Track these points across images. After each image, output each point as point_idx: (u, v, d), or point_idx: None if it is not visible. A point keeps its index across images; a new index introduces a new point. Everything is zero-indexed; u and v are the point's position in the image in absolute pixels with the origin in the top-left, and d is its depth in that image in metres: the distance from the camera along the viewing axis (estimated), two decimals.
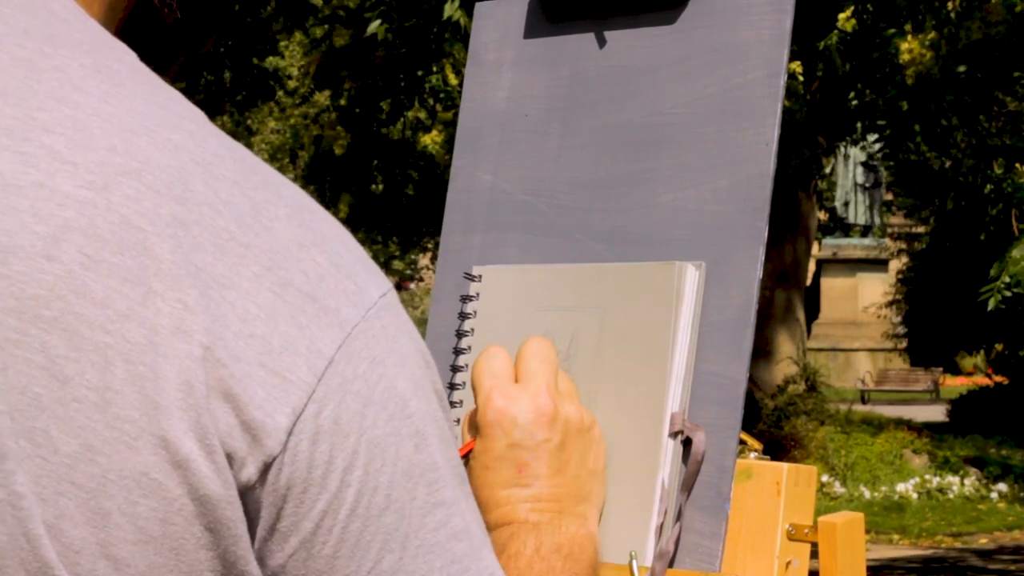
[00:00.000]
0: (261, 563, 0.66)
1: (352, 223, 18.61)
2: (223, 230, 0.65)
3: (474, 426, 1.02)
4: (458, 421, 1.17)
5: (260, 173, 0.69)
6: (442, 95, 13.07)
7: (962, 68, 12.55)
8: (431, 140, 13.84)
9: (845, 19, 13.01)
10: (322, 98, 14.94)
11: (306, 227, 0.68)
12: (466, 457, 1.01)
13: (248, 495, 0.64)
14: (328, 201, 19.15)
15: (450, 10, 8.51)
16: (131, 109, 0.67)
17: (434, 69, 12.73)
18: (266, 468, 0.64)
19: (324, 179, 17.87)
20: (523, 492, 0.98)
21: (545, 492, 0.98)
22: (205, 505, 0.63)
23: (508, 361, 1.02)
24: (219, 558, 0.64)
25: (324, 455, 0.65)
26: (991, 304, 8.13)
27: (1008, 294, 8.09)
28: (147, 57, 0.73)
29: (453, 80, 12.75)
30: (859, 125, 15.06)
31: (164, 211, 0.64)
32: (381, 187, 17.34)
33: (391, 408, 0.68)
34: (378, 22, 10.08)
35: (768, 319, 15.60)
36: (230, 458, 0.63)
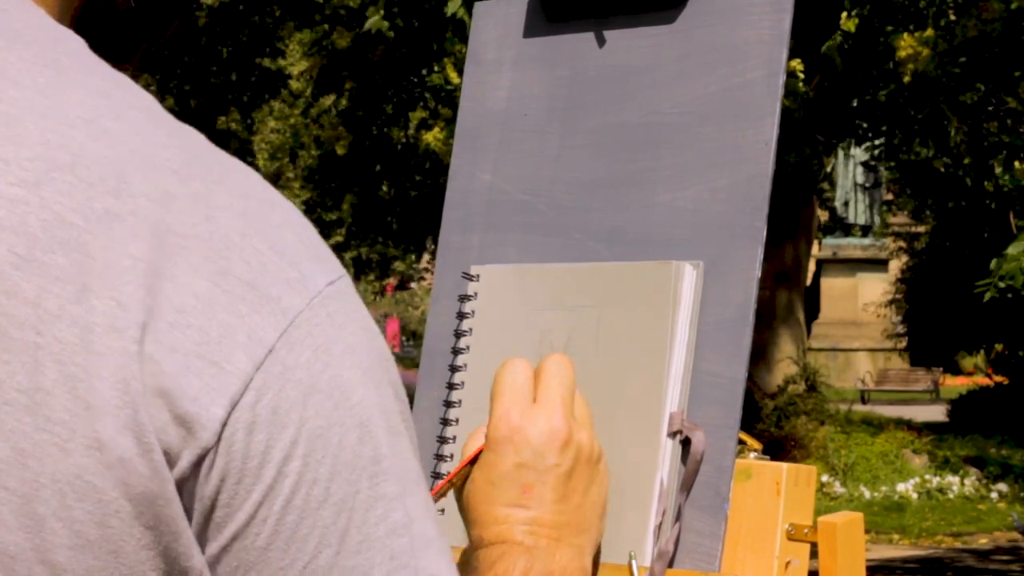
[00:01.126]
0: (200, 552, 0.65)
1: (356, 225, 18.61)
2: (159, 221, 0.64)
3: (486, 437, 1.01)
4: (456, 421, 1.17)
5: (206, 161, 0.68)
6: (443, 94, 13.07)
7: (962, 60, 12.54)
8: (433, 137, 13.84)
9: (846, 19, 13.01)
10: (326, 100, 14.94)
11: (250, 214, 0.67)
12: (472, 463, 1.00)
13: (183, 487, 0.63)
14: (332, 203, 19.15)
15: (453, 7, 8.50)
16: (69, 100, 0.66)
17: (436, 68, 12.73)
18: (199, 460, 0.63)
19: (327, 181, 17.87)
20: (524, 514, 0.96)
21: (546, 518, 0.96)
22: (143, 504, 0.62)
23: (529, 377, 1.00)
24: (161, 556, 0.63)
25: (260, 445, 0.64)
26: (987, 296, 8.15)
27: (1002, 285, 8.12)
28: (107, 45, 0.72)
29: (455, 79, 12.76)
30: (861, 124, 15.06)
31: (98, 204, 0.63)
32: (385, 189, 17.34)
33: (335, 397, 0.66)
34: (378, 16, 10.07)
35: (769, 319, 15.59)
36: (166, 453, 0.62)
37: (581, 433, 0.99)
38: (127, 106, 0.68)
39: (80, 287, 0.62)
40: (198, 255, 0.64)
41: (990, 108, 14.41)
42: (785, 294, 15.95)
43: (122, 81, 0.69)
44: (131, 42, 0.80)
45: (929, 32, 12.25)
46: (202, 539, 0.65)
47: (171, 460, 0.63)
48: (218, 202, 0.66)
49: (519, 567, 0.94)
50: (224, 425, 0.63)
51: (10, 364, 0.61)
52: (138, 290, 0.63)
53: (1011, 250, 8.09)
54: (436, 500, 0.99)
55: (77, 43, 0.70)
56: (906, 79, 12.50)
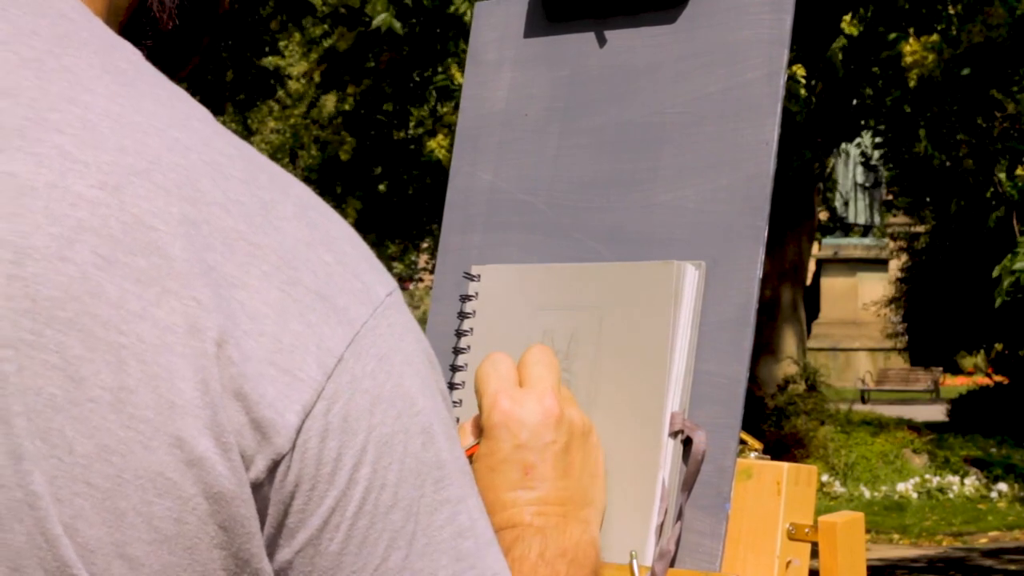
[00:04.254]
0: (269, 559, 0.66)
1: (360, 227, 18.62)
2: (232, 229, 0.66)
3: (477, 430, 1.02)
4: (458, 420, 1.17)
5: (267, 171, 0.69)
6: (454, 93, 13.08)
7: (966, 71, 12.55)
8: (436, 144, 13.84)
9: (848, 22, 13.02)
10: (328, 102, 14.95)
11: (313, 226, 0.69)
12: (469, 460, 1.01)
13: (257, 492, 0.65)
14: (333, 204, 19.16)
15: (458, 3, 8.51)
16: (140, 109, 0.67)
17: (440, 69, 12.73)
18: (275, 465, 0.64)
19: (331, 184, 17.88)
20: (529, 495, 0.98)
21: (551, 495, 0.98)
22: (219, 503, 0.63)
23: (512, 366, 1.02)
24: (232, 556, 0.64)
25: (333, 452, 0.65)
26: (998, 302, 8.17)
27: (1011, 289, 8.14)
28: (152, 60, 0.74)
29: (460, 79, 12.74)
30: (862, 124, 15.06)
31: (175, 210, 0.65)
32: (384, 189, 17.35)
33: (399, 405, 0.68)
34: (385, 14, 10.06)
35: (770, 319, 15.60)
36: (244, 456, 0.64)
37: (571, 409, 1.01)
38: (192, 117, 0.69)
39: (161, 289, 0.63)
40: (269, 264, 0.66)
41: (997, 114, 14.41)
42: (786, 294, 15.96)
43: (181, 93, 0.71)
44: (174, 58, 0.81)
45: (935, 37, 12.27)
46: (274, 544, 0.66)
47: (246, 463, 0.64)
48: (283, 212, 0.68)
49: (535, 549, 0.95)
50: (299, 432, 0.64)
51: (95, 363, 0.62)
52: (214, 296, 0.64)
53: (1018, 264, 8.12)
54: None
55: (137, 54, 0.71)
56: (912, 83, 12.52)
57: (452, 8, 8.52)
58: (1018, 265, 7.98)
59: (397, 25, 10.02)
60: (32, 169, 0.64)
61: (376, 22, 10.18)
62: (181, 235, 0.64)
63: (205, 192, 0.66)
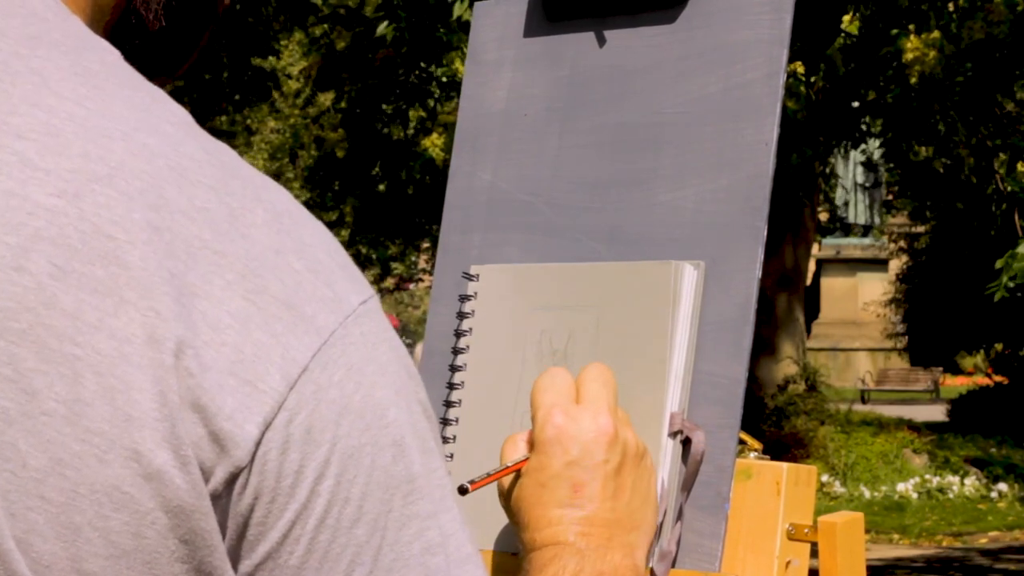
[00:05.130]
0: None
1: (357, 226, 18.61)
2: (196, 237, 0.64)
3: (530, 443, 1.01)
4: (456, 421, 1.16)
5: (240, 177, 0.68)
6: (453, 90, 13.06)
7: (968, 66, 12.55)
8: (431, 143, 13.83)
9: (848, 21, 13.01)
10: (325, 100, 14.94)
11: (284, 233, 0.67)
12: (517, 474, 1.01)
13: (216, 503, 0.63)
14: (332, 204, 19.15)
15: (459, 10, 8.50)
16: (107, 112, 0.66)
17: (443, 63, 12.73)
18: (233, 478, 0.63)
19: (326, 182, 17.87)
20: (576, 513, 0.97)
21: (599, 516, 0.97)
22: (179, 517, 0.62)
23: (570, 381, 1.01)
24: (195, 570, 0.63)
25: (294, 464, 0.64)
26: (998, 296, 8.16)
27: (1011, 284, 8.12)
28: (138, 61, 0.72)
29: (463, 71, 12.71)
30: (862, 124, 15.06)
31: (137, 217, 0.63)
32: (383, 188, 17.34)
33: (368, 417, 0.66)
34: (386, 23, 10.07)
35: (771, 319, 15.60)
36: (202, 468, 0.62)
37: (626, 430, 1.00)
38: (163, 120, 0.68)
39: (118, 299, 0.62)
40: (233, 272, 0.65)
41: (997, 111, 14.41)
42: (785, 294, 15.96)
43: (158, 95, 0.70)
44: (150, 69, 0.80)
45: (936, 34, 12.26)
46: (235, 557, 0.65)
47: (205, 475, 0.63)
48: (253, 219, 0.66)
49: (569, 570, 0.95)
50: (258, 444, 0.63)
51: (48, 375, 0.61)
52: (174, 305, 0.63)
53: (1021, 249, 8.09)
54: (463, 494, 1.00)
55: (113, 55, 0.70)
56: (913, 80, 12.52)
57: (453, 18, 8.51)
58: (1019, 265, 7.98)
59: (389, 30, 10.03)
60: None
61: (379, 31, 10.19)
62: (142, 243, 0.63)
63: (169, 199, 0.64)
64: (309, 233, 0.69)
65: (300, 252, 0.67)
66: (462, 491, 0.99)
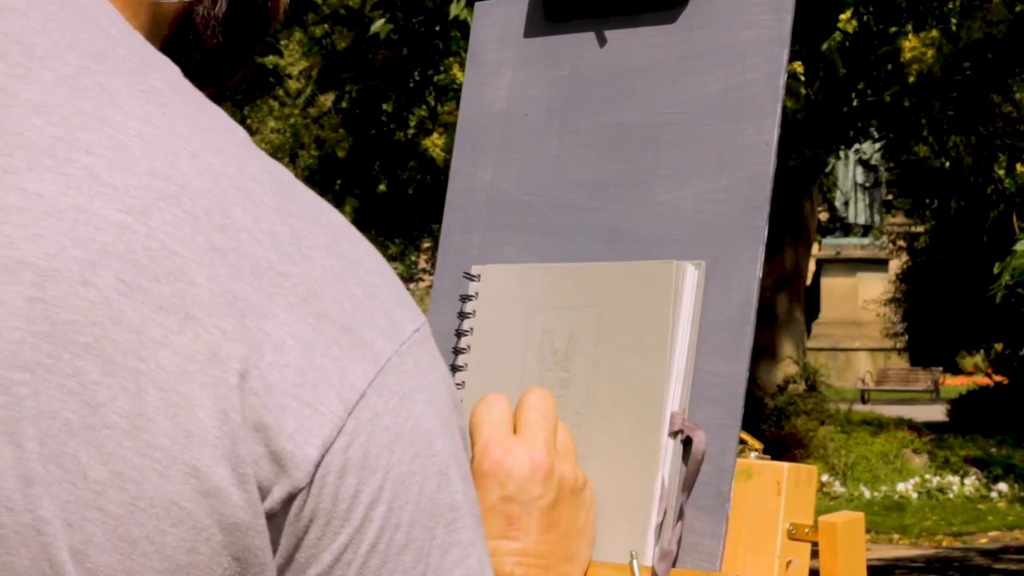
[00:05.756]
0: None
1: (357, 226, 18.62)
2: (262, 258, 0.65)
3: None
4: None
5: (299, 198, 0.69)
6: (451, 92, 13.07)
7: (967, 65, 12.55)
8: (431, 143, 13.84)
9: (846, 20, 13.01)
10: (326, 100, 14.94)
11: (344, 256, 0.68)
12: None
13: (271, 522, 0.64)
14: (332, 204, 19.16)
15: (456, 9, 8.50)
16: (173, 131, 0.66)
17: (441, 69, 12.73)
18: (291, 498, 0.64)
19: (327, 182, 17.88)
20: (511, 545, 0.97)
21: (532, 548, 0.97)
22: (234, 535, 0.63)
23: (508, 411, 1.01)
24: None
25: (350, 489, 0.65)
26: (999, 297, 8.16)
27: (1010, 281, 8.13)
28: (193, 76, 0.72)
29: (460, 77, 12.73)
30: (860, 125, 15.06)
31: (202, 238, 0.64)
32: (384, 187, 17.35)
33: (418, 445, 0.67)
34: (382, 21, 10.07)
35: (771, 319, 15.60)
36: (260, 487, 0.63)
37: (563, 464, 1.00)
38: (226, 140, 0.68)
39: (183, 316, 0.63)
40: (296, 295, 0.65)
41: (997, 111, 14.42)
42: (785, 294, 15.97)
43: (218, 113, 0.70)
44: (203, 81, 0.80)
45: (934, 33, 12.27)
46: None
47: (263, 493, 0.63)
48: (314, 241, 0.67)
49: None
50: (317, 466, 0.64)
51: (112, 389, 0.62)
52: (239, 325, 0.63)
53: (1019, 247, 8.09)
54: None
55: (175, 72, 0.71)
56: (911, 80, 12.52)
57: (451, 16, 8.51)
58: (1017, 262, 7.98)
59: (385, 28, 10.03)
60: (60, 190, 0.63)
61: (374, 28, 10.19)
62: (207, 263, 0.63)
63: (235, 219, 0.65)
64: (366, 258, 0.69)
65: (359, 277, 0.68)
66: None
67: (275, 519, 0.64)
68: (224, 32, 0.80)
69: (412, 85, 12.86)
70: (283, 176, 0.69)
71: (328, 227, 0.69)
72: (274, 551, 0.65)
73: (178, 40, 0.78)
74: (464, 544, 0.70)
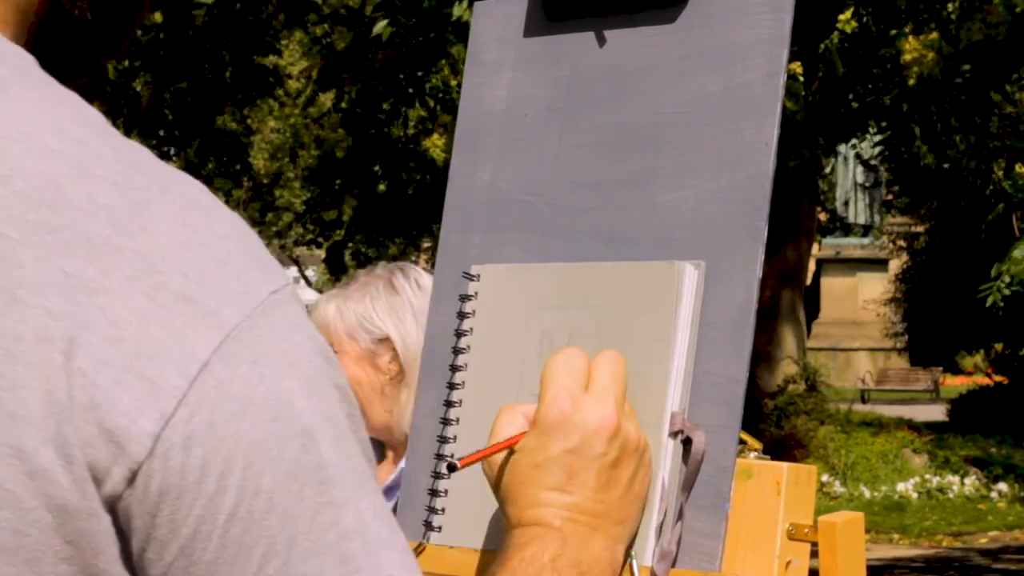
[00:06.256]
0: (142, 572, 0.65)
1: (357, 226, 18.60)
2: (96, 233, 0.64)
3: (529, 419, 1.02)
4: (457, 421, 1.16)
5: (146, 172, 0.68)
6: (441, 95, 13.07)
7: (966, 67, 12.55)
8: (432, 144, 13.83)
9: (845, 20, 13.01)
10: (325, 100, 14.93)
11: (191, 226, 0.67)
12: (511, 450, 1.01)
13: (117, 504, 0.63)
14: (332, 204, 19.14)
15: (459, 11, 8.49)
16: (11, 113, 0.66)
17: (433, 70, 12.73)
18: (133, 475, 0.63)
19: (327, 182, 17.86)
20: (565, 499, 0.97)
21: (587, 505, 0.98)
22: (63, 516, 0.62)
23: (584, 366, 1.01)
24: (81, 571, 0.63)
25: (198, 460, 0.64)
26: (990, 300, 8.14)
27: (1007, 292, 8.10)
28: (63, 60, 0.72)
29: (452, 81, 12.75)
30: (859, 124, 15.06)
31: (32, 217, 0.64)
32: (383, 188, 17.34)
33: (274, 409, 0.66)
34: (384, 23, 10.06)
35: (771, 319, 15.59)
36: (93, 468, 0.62)
37: (629, 425, 1.00)
38: (68, 120, 0.68)
39: (10, 298, 0.62)
40: (134, 268, 0.64)
41: (996, 111, 14.41)
42: (785, 294, 15.96)
43: (67, 96, 0.70)
44: (88, 55, 0.80)
45: (934, 35, 12.26)
46: (144, 558, 0.64)
47: (100, 475, 0.62)
48: (158, 213, 0.66)
49: (549, 552, 0.95)
50: (156, 440, 0.63)
51: None
52: (69, 303, 0.63)
53: (1016, 253, 8.07)
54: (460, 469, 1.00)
55: (26, 60, 0.70)
56: (911, 82, 12.51)
57: (454, 17, 8.49)
58: (1016, 268, 7.96)
59: (387, 30, 10.02)
60: None
61: (376, 29, 10.18)
62: (37, 242, 0.63)
63: (68, 197, 0.64)
64: (219, 224, 0.68)
65: (208, 245, 0.67)
66: (451, 468, 1.00)
67: (121, 499, 0.63)
68: (93, 8, 0.79)
69: (405, 85, 12.85)
70: (131, 151, 0.68)
71: (177, 197, 0.67)
72: (129, 533, 0.64)
73: (48, 24, 0.78)
74: (338, 503, 0.68)
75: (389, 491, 2.09)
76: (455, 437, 1.16)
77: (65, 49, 0.75)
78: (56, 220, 0.64)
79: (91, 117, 0.69)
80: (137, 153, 0.69)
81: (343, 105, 14.11)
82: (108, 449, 0.62)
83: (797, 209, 15.42)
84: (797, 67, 12.59)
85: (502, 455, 1.02)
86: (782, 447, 13.68)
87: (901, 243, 27.41)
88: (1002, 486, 14.70)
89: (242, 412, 0.65)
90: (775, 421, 14.80)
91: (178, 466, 0.63)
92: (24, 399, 0.62)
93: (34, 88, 0.69)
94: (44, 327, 0.62)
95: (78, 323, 0.63)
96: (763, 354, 15.42)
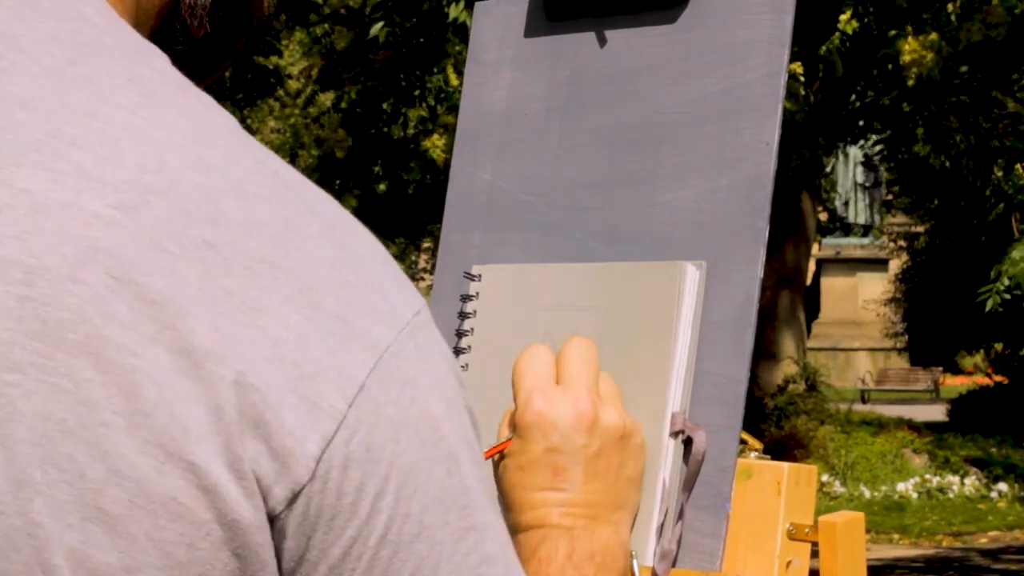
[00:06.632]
0: None
1: None
2: (254, 252, 0.64)
3: (512, 425, 1.02)
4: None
5: (292, 188, 0.67)
6: (443, 95, 13.08)
7: (964, 68, 12.55)
8: (432, 144, 13.83)
9: (846, 21, 13.01)
10: (325, 99, 14.93)
11: (339, 245, 0.67)
12: (501, 454, 1.01)
13: (275, 522, 0.63)
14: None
15: (455, 11, 8.49)
16: (162, 123, 0.65)
17: (435, 70, 12.73)
18: (294, 496, 0.63)
19: (327, 182, 17.87)
20: (558, 496, 0.97)
21: (580, 498, 0.98)
22: (234, 531, 0.62)
23: (551, 361, 1.01)
24: None
25: (354, 482, 0.64)
26: (989, 305, 8.13)
27: (1007, 296, 8.09)
28: (181, 66, 0.72)
29: (455, 81, 12.75)
30: (860, 124, 15.06)
31: (194, 233, 0.63)
32: (384, 187, 17.35)
33: (423, 432, 0.66)
34: (380, 24, 10.06)
35: (771, 319, 15.59)
36: (259, 484, 0.62)
37: (608, 412, 1.00)
38: (217, 130, 0.67)
39: (177, 312, 0.62)
40: (290, 288, 0.64)
41: (995, 112, 14.41)
42: (786, 294, 15.96)
43: (208, 102, 0.69)
44: (204, 64, 0.80)
45: (933, 36, 12.25)
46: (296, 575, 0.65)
47: (263, 491, 0.63)
48: (308, 232, 0.66)
49: (562, 550, 0.95)
50: (318, 462, 0.63)
51: (106, 387, 0.61)
52: (233, 320, 0.63)
53: (1015, 254, 8.06)
54: None
55: (163, 60, 0.70)
56: (910, 83, 12.51)
57: (450, 19, 8.49)
58: (1015, 269, 7.96)
59: (383, 32, 10.03)
60: (47, 186, 0.62)
61: (373, 31, 10.18)
62: (199, 259, 0.63)
63: (226, 213, 0.64)
64: (362, 245, 0.68)
65: (354, 265, 0.67)
66: None
67: (280, 519, 0.63)
68: (211, 23, 0.79)
69: (406, 87, 12.85)
70: (275, 165, 0.68)
71: (322, 216, 0.67)
72: (283, 551, 0.64)
73: (165, 31, 0.77)
74: (479, 528, 0.69)
75: None
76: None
77: (181, 57, 0.73)
78: (216, 237, 0.63)
79: (232, 124, 0.68)
80: (278, 164, 0.68)
81: (343, 105, 14.11)
82: (272, 468, 0.62)
83: (797, 209, 15.42)
84: (797, 67, 12.58)
85: (495, 463, 1.02)
86: (782, 447, 13.68)
87: (901, 243, 27.41)
88: (1002, 486, 14.71)
89: (396, 435, 0.65)
90: (775, 421, 14.81)
91: (335, 488, 0.64)
92: (195, 414, 0.61)
93: (177, 92, 0.68)
94: (213, 343, 0.62)
95: (242, 342, 0.62)
96: (763, 353, 15.43)
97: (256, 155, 0.68)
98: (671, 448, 1.05)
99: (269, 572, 0.64)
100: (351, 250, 0.67)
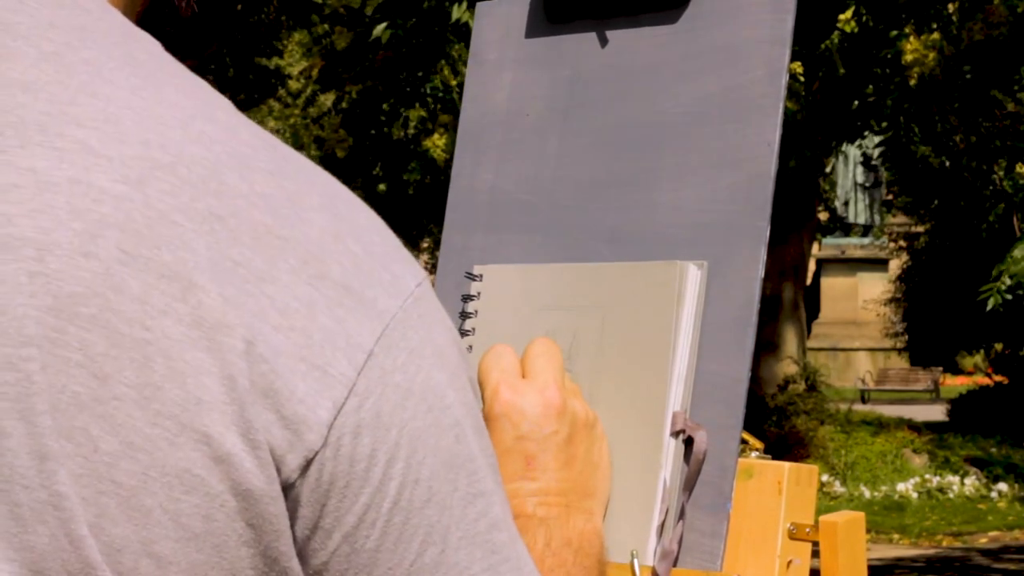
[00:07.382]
0: (303, 560, 0.66)
1: None
2: (260, 223, 0.65)
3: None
4: None
5: (293, 161, 0.69)
6: (440, 94, 13.09)
7: (967, 68, 12.56)
8: (432, 144, 13.84)
9: (846, 20, 13.01)
10: (325, 100, 14.94)
11: (340, 216, 0.68)
12: None
13: (290, 491, 0.64)
14: None
15: (458, 12, 8.49)
16: (162, 101, 0.66)
17: (434, 71, 12.74)
18: (307, 463, 0.64)
19: None
20: (531, 485, 0.98)
21: (553, 486, 0.98)
22: (248, 501, 0.63)
23: (515, 359, 1.02)
24: (261, 555, 0.64)
25: (366, 449, 0.65)
26: (990, 304, 8.13)
27: (1009, 297, 8.10)
28: (168, 48, 0.73)
29: (452, 81, 12.76)
30: (859, 124, 15.06)
31: (200, 205, 0.64)
32: (384, 187, 17.35)
33: (430, 399, 0.67)
34: (383, 25, 10.07)
35: (770, 319, 15.60)
36: (272, 453, 0.63)
37: (574, 400, 1.01)
38: (214, 107, 0.68)
39: (186, 284, 0.63)
40: (296, 257, 0.65)
41: (997, 112, 14.42)
42: (786, 294, 15.96)
43: (201, 82, 0.70)
44: (190, 46, 0.80)
45: (935, 35, 12.27)
46: (308, 546, 0.65)
47: (277, 460, 0.63)
48: (311, 203, 0.67)
49: (540, 539, 0.95)
50: (330, 428, 0.64)
51: (119, 359, 0.62)
52: (242, 291, 0.63)
53: (1016, 253, 8.07)
54: None
55: (156, 44, 0.71)
56: (912, 82, 12.52)
57: (453, 19, 8.49)
58: (1016, 268, 7.96)
59: (386, 33, 10.03)
60: (54, 164, 0.63)
61: (376, 32, 10.19)
62: (206, 231, 0.63)
63: (231, 185, 0.65)
64: (362, 217, 0.69)
65: (357, 235, 0.68)
66: None
67: (294, 487, 0.64)
68: (199, 1, 0.80)
69: (404, 85, 12.86)
70: (273, 140, 0.69)
71: (322, 188, 0.68)
72: (297, 519, 0.65)
73: (153, 12, 0.78)
74: (486, 493, 0.70)
75: None
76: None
77: (167, 38, 0.74)
78: (222, 209, 0.64)
79: (227, 103, 0.70)
80: (276, 141, 0.70)
81: (343, 105, 14.11)
82: (285, 436, 0.63)
83: (797, 209, 15.42)
84: (798, 67, 12.59)
85: None
86: (782, 447, 13.69)
87: (901, 243, 27.40)
88: (1002, 486, 14.71)
89: (404, 402, 0.66)
90: (775, 421, 14.82)
91: (348, 455, 0.64)
92: (207, 385, 0.62)
93: (175, 74, 0.69)
94: (223, 313, 0.63)
95: (251, 311, 0.63)
96: (764, 349, 15.43)
97: (254, 131, 0.69)
98: (672, 448, 1.05)
99: (284, 541, 0.64)
100: (352, 221, 0.68)
